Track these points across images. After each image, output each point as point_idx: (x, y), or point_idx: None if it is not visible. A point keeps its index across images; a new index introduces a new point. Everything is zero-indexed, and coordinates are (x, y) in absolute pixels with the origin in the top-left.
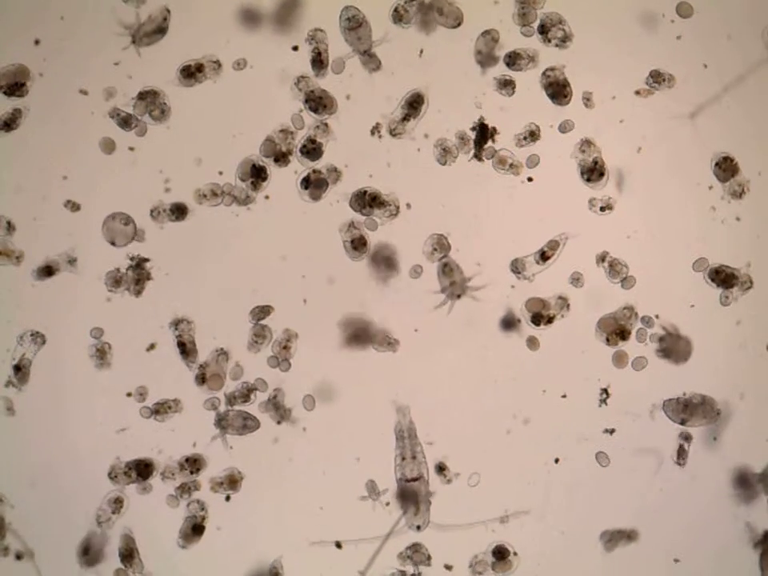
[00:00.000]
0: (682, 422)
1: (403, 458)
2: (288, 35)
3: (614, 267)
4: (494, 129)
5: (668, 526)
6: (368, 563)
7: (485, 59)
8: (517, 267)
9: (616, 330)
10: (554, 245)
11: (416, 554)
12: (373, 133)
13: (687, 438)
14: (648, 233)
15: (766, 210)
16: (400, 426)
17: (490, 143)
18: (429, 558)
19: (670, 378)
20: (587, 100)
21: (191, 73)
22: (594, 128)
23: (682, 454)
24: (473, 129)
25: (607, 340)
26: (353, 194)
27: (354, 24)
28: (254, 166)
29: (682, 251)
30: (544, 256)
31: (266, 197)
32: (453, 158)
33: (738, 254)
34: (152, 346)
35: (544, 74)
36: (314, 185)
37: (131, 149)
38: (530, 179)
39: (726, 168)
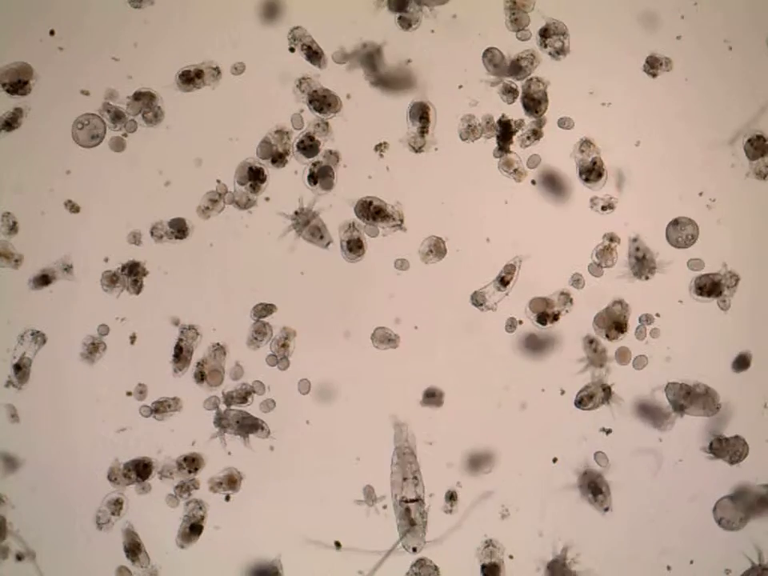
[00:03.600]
0: (680, 408)
1: (404, 479)
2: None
3: (609, 259)
4: (517, 123)
5: (663, 530)
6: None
7: (497, 71)
8: (477, 300)
9: (612, 325)
10: (510, 269)
11: (423, 568)
12: (376, 149)
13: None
14: (647, 232)
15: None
16: (398, 445)
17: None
18: (436, 568)
19: (670, 378)
20: (587, 100)
21: (190, 78)
22: (594, 128)
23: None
24: (497, 122)
25: (607, 336)
26: (358, 201)
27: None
28: (250, 168)
29: (681, 250)
30: (503, 281)
31: (267, 198)
32: (476, 137)
33: (736, 254)
34: (153, 345)
35: (528, 80)
36: (319, 175)
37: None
38: (533, 182)
39: (757, 146)
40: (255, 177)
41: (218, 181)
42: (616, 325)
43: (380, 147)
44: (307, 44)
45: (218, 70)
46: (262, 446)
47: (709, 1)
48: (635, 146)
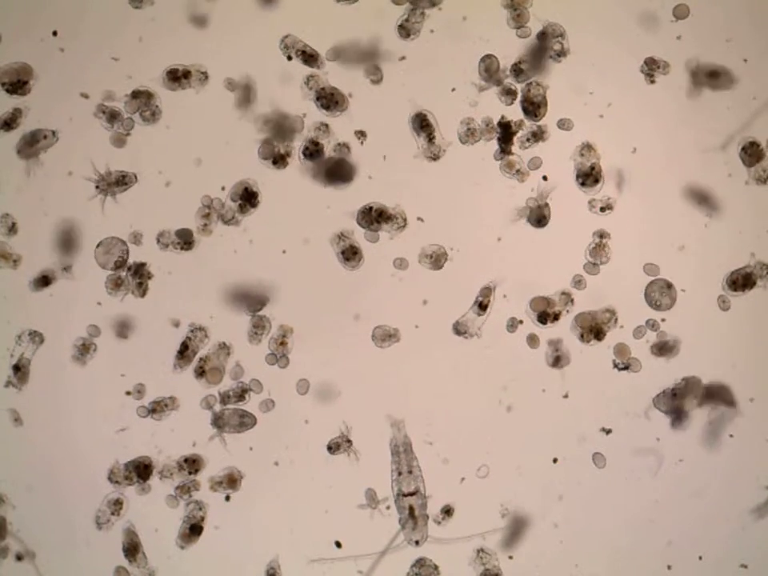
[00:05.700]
0: (681, 414)
1: (399, 473)
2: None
3: (602, 256)
4: (517, 123)
5: (664, 531)
6: (368, 571)
7: (489, 79)
8: (459, 329)
9: (590, 328)
10: (486, 292)
11: (423, 568)
12: (357, 136)
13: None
14: (647, 232)
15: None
16: (395, 441)
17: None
18: (436, 568)
19: (669, 377)
20: (586, 102)
21: (176, 77)
22: (594, 129)
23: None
24: (497, 124)
25: (581, 337)
26: (359, 211)
27: None
28: (246, 189)
29: (681, 251)
30: (482, 305)
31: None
32: (475, 140)
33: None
34: (153, 345)
35: (527, 84)
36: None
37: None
38: (544, 178)
39: (751, 153)
40: (248, 199)
41: (222, 188)
42: (595, 329)
43: (359, 135)
44: (300, 49)
45: (206, 75)
46: (261, 445)
47: (709, 1)
48: (634, 147)
